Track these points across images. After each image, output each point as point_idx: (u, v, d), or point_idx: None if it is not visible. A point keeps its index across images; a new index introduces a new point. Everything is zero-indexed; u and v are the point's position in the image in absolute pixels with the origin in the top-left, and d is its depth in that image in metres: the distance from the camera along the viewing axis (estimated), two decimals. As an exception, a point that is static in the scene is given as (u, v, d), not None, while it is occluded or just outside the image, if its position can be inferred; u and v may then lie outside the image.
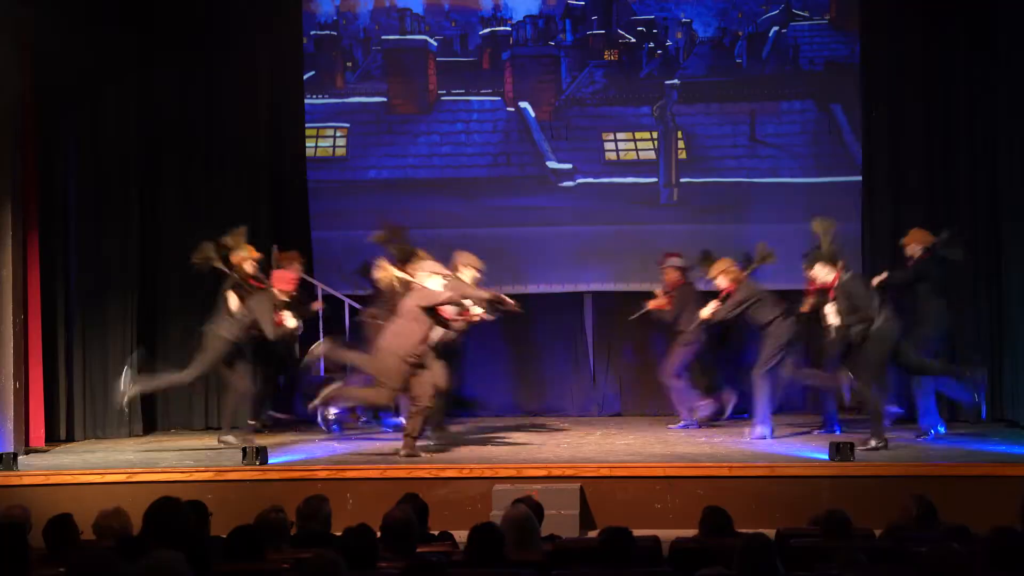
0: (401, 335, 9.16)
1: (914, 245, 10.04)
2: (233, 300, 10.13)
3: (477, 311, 9.55)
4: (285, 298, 10.20)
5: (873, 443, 9.12)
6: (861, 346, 9.29)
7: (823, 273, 9.55)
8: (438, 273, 9.35)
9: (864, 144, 11.56)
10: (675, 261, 10.91)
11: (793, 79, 12.23)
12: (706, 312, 10.29)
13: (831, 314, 9.45)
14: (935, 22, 11.16)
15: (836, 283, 9.46)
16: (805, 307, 10.02)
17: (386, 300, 9.95)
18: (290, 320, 10.20)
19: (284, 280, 10.23)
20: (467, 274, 9.71)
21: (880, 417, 9.39)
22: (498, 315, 9.83)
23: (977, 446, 9.45)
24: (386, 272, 9.86)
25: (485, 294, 9.42)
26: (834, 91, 12.11)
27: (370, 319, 10.31)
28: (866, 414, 9.65)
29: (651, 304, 10.89)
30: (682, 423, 10.77)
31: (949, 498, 7.24)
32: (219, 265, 10.24)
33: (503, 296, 9.48)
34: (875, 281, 10.00)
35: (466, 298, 9.38)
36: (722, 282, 10.21)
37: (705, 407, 10.79)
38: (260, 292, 10.11)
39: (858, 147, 11.77)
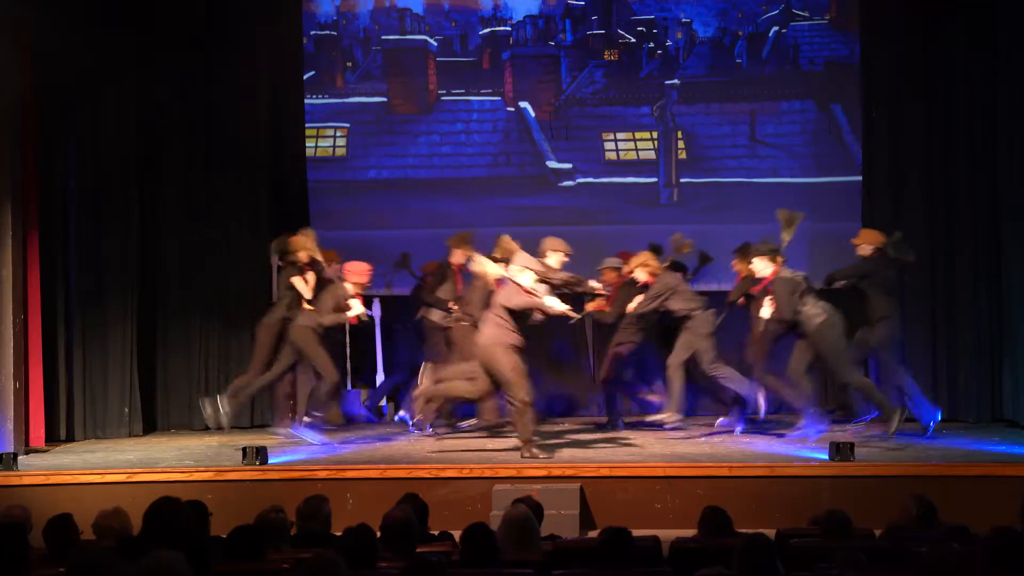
0: (502, 326, 9.08)
1: (865, 245, 10.06)
2: (300, 284, 10.08)
3: (560, 308, 9.42)
4: (358, 290, 9.98)
5: (893, 425, 9.28)
6: (817, 350, 9.40)
7: (761, 267, 9.62)
8: (530, 268, 9.28)
9: (864, 144, 11.56)
10: (612, 262, 10.79)
11: (793, 79, 12.23)
12: (631, 306, 10.26)
13: (765, 306, 9.58)
14: (935, 22, 11.16)
15: (774, 278, 9.52)
16: (733, 296, 10.16)
17: (476, 295, 10.02)
18: (357, 306, 9.93)
19: (357, 272, 10.01)
20: (554, 259, 9.44)
21: (880, 399, 9.50)
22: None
23: (977, 446, 9.45)
24: (482, 265, 9.85)
25: (558, 307, 9.18)
26: (834, 91, 12.11)
27: (460, 321, 10.29)
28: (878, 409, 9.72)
29: (589, 306, 10.68)
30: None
31: (949, 498, 7.24)
32: (294, 258, 10.13)
33: (583, 284, 9.58)
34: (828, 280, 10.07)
35: (541, 308, 9.20)
36: (640, 275, 10.16)
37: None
38: (329, 283, 9.97)
39: (858, 147, 11.78)
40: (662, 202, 12.22)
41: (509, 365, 9.01)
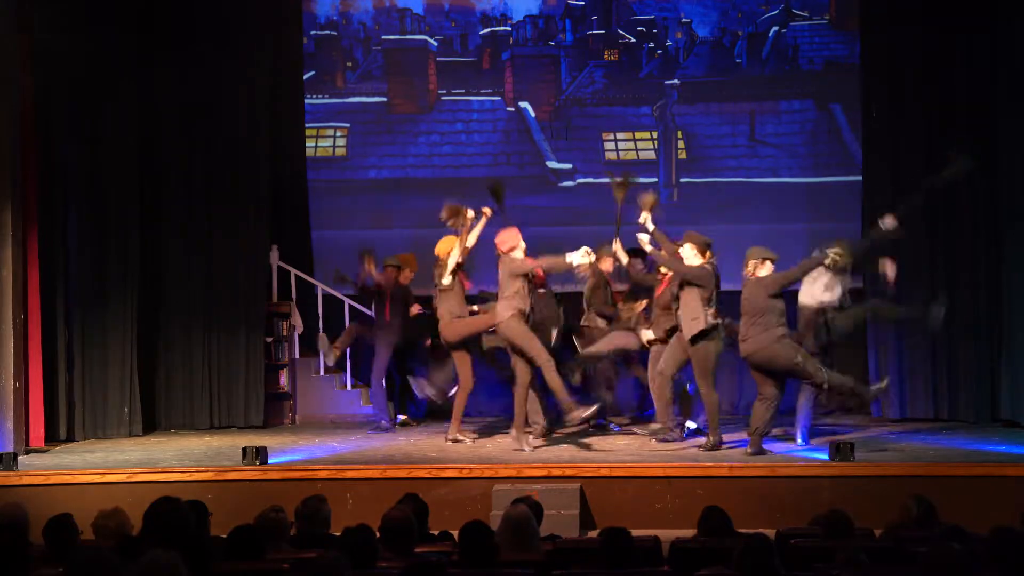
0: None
1: (690, 246, 9.93)
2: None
3: None
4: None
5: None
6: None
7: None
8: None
9: (864, 144, 11.55)
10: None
11: (793, 79, 12.24)
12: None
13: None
14: (935, 22, 11.14)
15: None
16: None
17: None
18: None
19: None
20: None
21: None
22: None
23: (977, 446, 9.45)
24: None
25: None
26: (834, 91, 12.12)
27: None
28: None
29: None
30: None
31: (949, 498, 7.24)
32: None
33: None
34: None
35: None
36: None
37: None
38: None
39: (858, 147, 11.78)
40: (662, 202, 12.19)
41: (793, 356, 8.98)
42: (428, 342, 11.19)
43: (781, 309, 9.00)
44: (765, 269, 9.12)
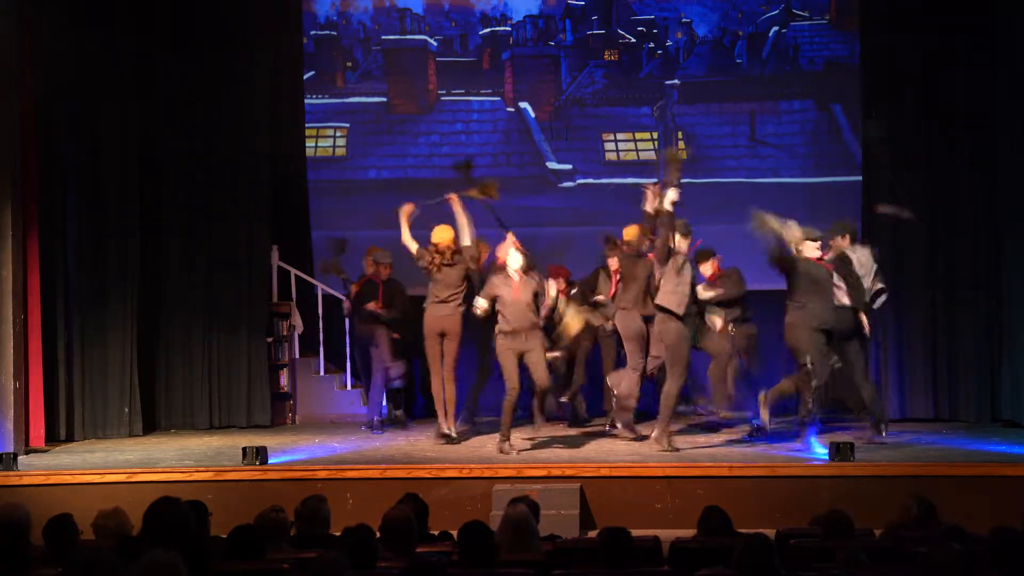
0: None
1: (634, 242, 9.94)
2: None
3: None
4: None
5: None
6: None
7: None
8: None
9: (864, 144, 11.55)
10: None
11: (793, 79, 12.24)
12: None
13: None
14: (935, 22, 11.14)
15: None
16: None
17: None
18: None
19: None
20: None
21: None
22: None
23: (977, 446, 9.45)
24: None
25: None
26: (834, 91, 12.12)
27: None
28: None
29: None
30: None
31: (949, 498, 7.24)
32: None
33: None
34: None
35: None
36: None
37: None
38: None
39: (858, 147, 11.78)
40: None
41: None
42: (396, 335, 11.22)
43: None
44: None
